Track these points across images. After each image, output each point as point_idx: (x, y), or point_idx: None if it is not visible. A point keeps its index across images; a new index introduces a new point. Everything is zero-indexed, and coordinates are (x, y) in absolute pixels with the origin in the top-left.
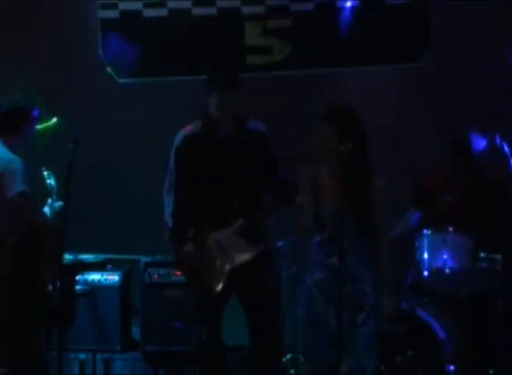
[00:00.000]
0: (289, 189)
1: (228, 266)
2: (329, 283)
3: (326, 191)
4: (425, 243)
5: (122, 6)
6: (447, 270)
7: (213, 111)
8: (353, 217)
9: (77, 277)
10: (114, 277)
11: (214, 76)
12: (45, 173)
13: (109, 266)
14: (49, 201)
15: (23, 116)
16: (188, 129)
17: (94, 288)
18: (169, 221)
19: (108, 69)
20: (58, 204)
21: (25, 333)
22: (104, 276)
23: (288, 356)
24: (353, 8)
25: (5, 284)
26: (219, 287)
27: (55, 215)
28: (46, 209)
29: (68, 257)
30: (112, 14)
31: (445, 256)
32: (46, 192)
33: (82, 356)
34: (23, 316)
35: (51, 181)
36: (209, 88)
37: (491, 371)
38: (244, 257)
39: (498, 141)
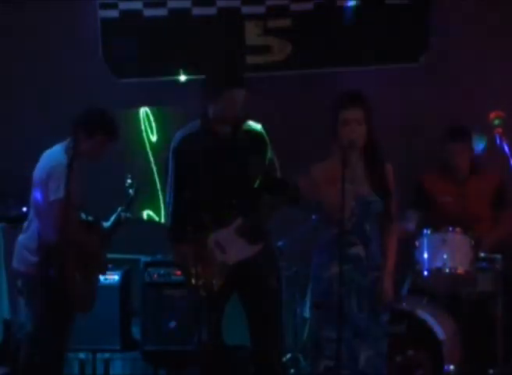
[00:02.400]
0: (291, 190)
1: (227, 265)
2: (352, 274)
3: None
4: (425, 243)
5: (122, 6)
6: (447, 270)
7: (221, 110)
8: (376, 202)
9: None
10: (114, 277)
11: (225, 75)
12: (129, 181)
13: (109, 266)
14: (119, 209)
15: (100, 125)
16: (186, 129)
17: None
18: (169, 221)
19: (108, 69)
20: (125, 215)
21: (50, 332)
22: (104, 276)
23: (288, 356)
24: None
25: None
26: (218, 286)
27: (115, 224)
28: (112, 217)
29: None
30: (112, 14)
31: (445, 256)
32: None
33: (82, 356)
34: (49, 317)
35: (131, 191)
36: (219, 87)
37: (491, 371)
38: (244, 256)
39: (498, 141)
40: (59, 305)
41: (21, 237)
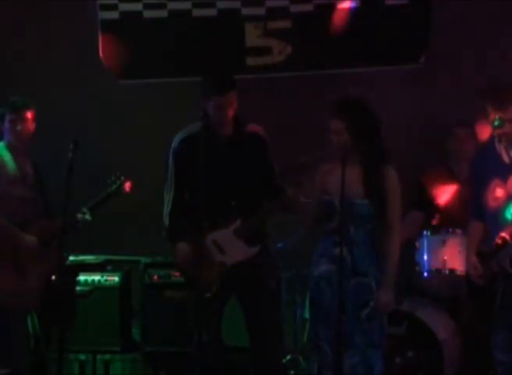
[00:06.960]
0: (287, 198)
1: (226, 266)
2: (336, 275)
3: (339, 182)
4: (425, 244)
5: (122, 7)
6: (447, 271)
7: (212, 113)
8: (370, 206)
9: (77, 278)
10: (114, 278)
11: (211, 78)
12: (113, 177)
13: (109, 267)
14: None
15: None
16: (185, 131)
17: (94, 289)
18: (167, 220)
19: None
20: (82, 217)
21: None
22: (105, 277)
23: (288, 357)
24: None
25: None
26: (216, 286)
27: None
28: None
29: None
30: (112, 15)
31: (445, 257)
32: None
33: (82, 357)
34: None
35: (111, 189)
36: (207, 91)
37: (491, 371)
38: (242, 258)
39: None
40: None
41: None
